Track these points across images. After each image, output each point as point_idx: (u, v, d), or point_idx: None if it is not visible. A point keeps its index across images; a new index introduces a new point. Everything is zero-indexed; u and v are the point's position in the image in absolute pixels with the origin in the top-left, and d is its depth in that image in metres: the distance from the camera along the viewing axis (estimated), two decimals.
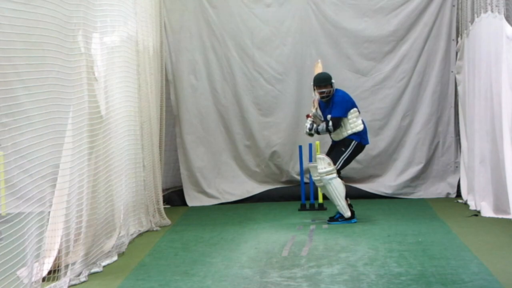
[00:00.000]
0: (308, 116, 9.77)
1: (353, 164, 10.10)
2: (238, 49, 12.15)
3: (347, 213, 9.49)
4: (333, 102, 9.61)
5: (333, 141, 9.78)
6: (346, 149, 9.55)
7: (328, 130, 9.59)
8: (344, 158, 9.54)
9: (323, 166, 9.48)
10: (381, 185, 12.02)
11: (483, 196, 9.94)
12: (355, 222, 9.45)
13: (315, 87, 9.70)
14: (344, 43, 12.09)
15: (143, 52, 9.43)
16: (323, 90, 9.62)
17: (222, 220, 10.35)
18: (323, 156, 9.57)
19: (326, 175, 9.45)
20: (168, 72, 12.05)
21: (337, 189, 9.44)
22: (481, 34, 10.05)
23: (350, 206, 9.61)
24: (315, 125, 9.67)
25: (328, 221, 9.57)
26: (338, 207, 9.51)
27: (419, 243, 8.01)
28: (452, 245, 7.87)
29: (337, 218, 9.53)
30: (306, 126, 9.72)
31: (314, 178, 9.77)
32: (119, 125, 8.10)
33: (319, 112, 9.70)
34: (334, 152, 9.64)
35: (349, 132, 9.59)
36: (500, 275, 6.35)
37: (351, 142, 9.58)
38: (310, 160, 10.88)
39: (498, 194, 9.47)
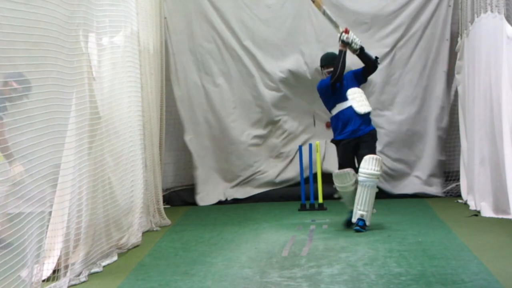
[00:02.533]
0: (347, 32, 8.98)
1: None
2: (238, 49, 12.15)
3: (369, 223, 8.84)
4: (354, 72, 9.15)
5: (357, 118, 8.96)
6: (375, 142, 9.07)
7: (373, 62, 9.03)
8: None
9: (378, 168, 8.69)
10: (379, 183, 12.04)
11: (483, 196, 9.95)
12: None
13: (322, 67, 9.28)
14: None
15: (144, 52, 9.43)
16: (331, 69, 9.06)
17: (222, 220, 10.35)
18: (377, 156, 8.79)
19: (376, 178, 8.73)
20: (170, 72, 12.06)
21: (373, 196, 8.77)
22: (481, 34, 10.06)
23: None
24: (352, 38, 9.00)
25: (356, 228, 8.80)
26: (365, 214, 8.73)
27: (419, 243, 8.01)
28: (452, 245, 7.87)
29: (364, 225, 8.80)
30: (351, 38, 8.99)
31: (341, 184, 8.86)
32: (123, 125, 8.10)
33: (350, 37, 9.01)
34: (368, 149, 8.85)
35: (370, 108, 9.13)
36: (500, 275, 6.35)
37: (375, 132, 9.13)
38: (310, 160, 10.86)
39: (498, 194, 9.47)
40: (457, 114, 11.73)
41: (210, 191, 12.12)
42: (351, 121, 9.00)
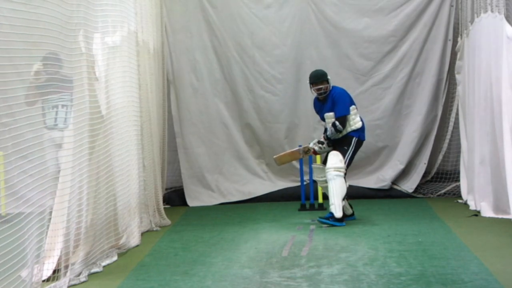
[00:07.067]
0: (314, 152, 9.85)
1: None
2: (238, 49, 12.15)
3: (338, 214, 9.26)
4: (334, 101, 9.51)
5: (331, 140, 9.64)
6: (348, 147, 9.44)
7: (337, 131, 9.45)
8: (349, 156, 9.43)
9: (335, 161, 9.35)
10: (380, 182, 12.05)
11: (483, 196, 9.94)
12: (343, 226, 9.26)
13: (311, 85, 9.59)
14: (344, 43, 12.10)
15: (144, 52, 9.43)
16: (320, 86, 9.50)
17: (222, 220, 10.35)
18: (337, 152, 9.43)
19: (334, 170, 9.31)
20: (169, 72, 12.05)
21: (339, 187, 9.28)
22: (481, 34, 10.06)
23: (350, 207, 9.64)
24: (322, 139, 9.68)
25: (319, 218, 9.45)
26: (331, 206, 9.31)
27: (419, 243, 8.01)
28: (452, 245, 7.87)
29: (328, 217, 9.31)
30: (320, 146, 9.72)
31: (317, 179, 9.73)
32: (120, 125, 8.10)
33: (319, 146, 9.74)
34: (337, 151, 9.49)
35: (349, 129, 9.51)
36: (500, 275, 6.35)
37: (352, 139, 9.47)
38: (310, 161, 10.86)
39: (498, 194, 9.47)
40: (457, 114, 11.75)
41: (203, 193, 12.10)
42: None
